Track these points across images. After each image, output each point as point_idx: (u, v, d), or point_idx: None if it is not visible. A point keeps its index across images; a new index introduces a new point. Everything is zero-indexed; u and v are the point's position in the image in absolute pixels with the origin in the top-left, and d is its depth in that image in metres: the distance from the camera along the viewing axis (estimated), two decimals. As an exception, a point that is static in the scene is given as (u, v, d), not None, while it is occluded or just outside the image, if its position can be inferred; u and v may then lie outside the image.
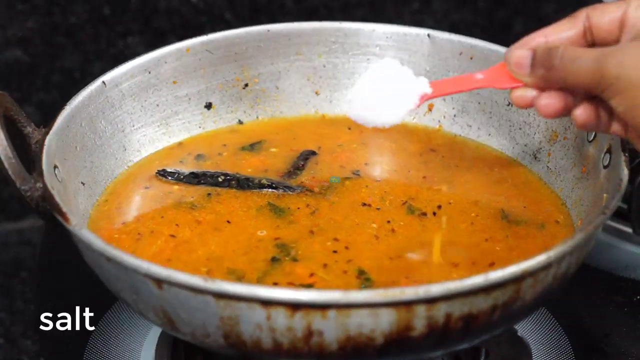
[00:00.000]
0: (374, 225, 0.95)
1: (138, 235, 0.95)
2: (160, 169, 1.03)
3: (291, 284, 0.88)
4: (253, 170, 1.03)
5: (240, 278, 0.89)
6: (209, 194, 1.00)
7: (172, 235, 0.95)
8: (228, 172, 1.02)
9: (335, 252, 0.92)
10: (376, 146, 1.08)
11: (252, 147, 1.07)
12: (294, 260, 0.91)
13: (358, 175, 1.03)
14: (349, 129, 1.09)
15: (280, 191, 1.00)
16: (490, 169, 1.04)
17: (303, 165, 1.04)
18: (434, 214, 0.96)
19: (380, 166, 1.06)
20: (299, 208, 0.97)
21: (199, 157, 1.06)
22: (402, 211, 0.97)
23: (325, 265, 0.90)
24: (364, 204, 0.98)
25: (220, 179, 1.01)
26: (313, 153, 1.06)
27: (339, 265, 0.90)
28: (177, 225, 0.96)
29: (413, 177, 1.03)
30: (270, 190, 1.00)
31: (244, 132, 1.10)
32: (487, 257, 0.92)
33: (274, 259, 0.91)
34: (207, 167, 1.04)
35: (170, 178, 1.02)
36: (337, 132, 1.10)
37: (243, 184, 1.00)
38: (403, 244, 0.93)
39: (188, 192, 1.00)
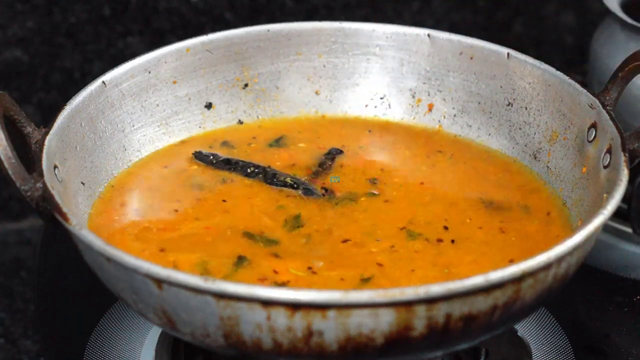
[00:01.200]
0: (374, 250, 0.93)
1: (135, 211, 0.97)
2: (196, 150, 1.05)
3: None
4: (282, 164, 1.04)
5: (206, 270, 0.89)
6: (224, 180, 1.01)
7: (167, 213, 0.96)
8: (259, 164, 1.03)
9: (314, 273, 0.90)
10: (395, 150, 1.07)
11: (278, 142, 1.08)
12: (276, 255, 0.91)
13: (375, 183, 1.02)
14: (369, 131, 1.10)
15: (300, 192, 1.00)
16: (492, 170, 1.04)
17: (330, 165, 1.04)
18: (452, 241, 0.94)
19: (397, 174, 1.04)
20: (300, 214, 0.97)
21: (225, 144, 1.07)
22: (407, 239, 0.95)
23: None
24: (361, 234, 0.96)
25: (249, 170, 1.02)
26: (340, 151, 1.06)
27: (322, 273, 0.89)
28: (178, 201, 0.98)
29: (426, 191, 1.02)
30: (289, 189, 1.00)
31: (268, 127, 1.10)
32: (505, 254, 0.92)
33: (240, 259, 0.90)
34: (234, 155, 1.05)
35: (202, 161, 1.03)
36: (358, 133, 1.10)
37: (269, 178, 1.01)
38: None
39: (204, 173, 1.02)
